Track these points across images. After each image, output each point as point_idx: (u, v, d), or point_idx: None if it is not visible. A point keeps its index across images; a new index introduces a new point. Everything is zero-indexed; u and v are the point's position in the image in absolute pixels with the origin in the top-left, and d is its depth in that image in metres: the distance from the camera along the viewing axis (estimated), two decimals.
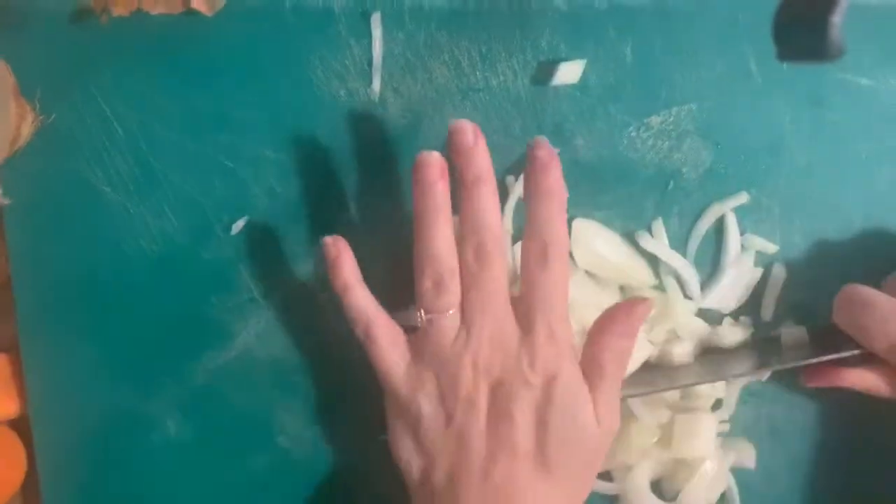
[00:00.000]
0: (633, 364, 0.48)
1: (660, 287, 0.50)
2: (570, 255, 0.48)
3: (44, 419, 0.51)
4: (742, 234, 0.50)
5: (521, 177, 0.48)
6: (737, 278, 0.49)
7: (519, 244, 0.47)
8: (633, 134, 0.49)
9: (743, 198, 0.49)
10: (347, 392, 0.50)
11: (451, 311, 0.43)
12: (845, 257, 0.50)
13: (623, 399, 0.46)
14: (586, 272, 0.49)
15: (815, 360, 0.46)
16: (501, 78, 0.49)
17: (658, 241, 0.49)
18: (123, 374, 0.51)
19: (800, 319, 0.50)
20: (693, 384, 0.48)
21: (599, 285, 0.49)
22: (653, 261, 0.50)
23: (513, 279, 0.47)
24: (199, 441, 0.51)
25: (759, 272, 0.50)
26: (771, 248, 0.50)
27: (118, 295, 0.50)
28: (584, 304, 0.48)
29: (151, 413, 0.51)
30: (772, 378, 0.51)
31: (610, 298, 0.49)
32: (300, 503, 0.51)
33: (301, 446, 0.51)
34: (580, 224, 0.49)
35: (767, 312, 0.50)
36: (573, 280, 0.48)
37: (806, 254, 0.50)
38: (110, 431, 0.51)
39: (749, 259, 0.49)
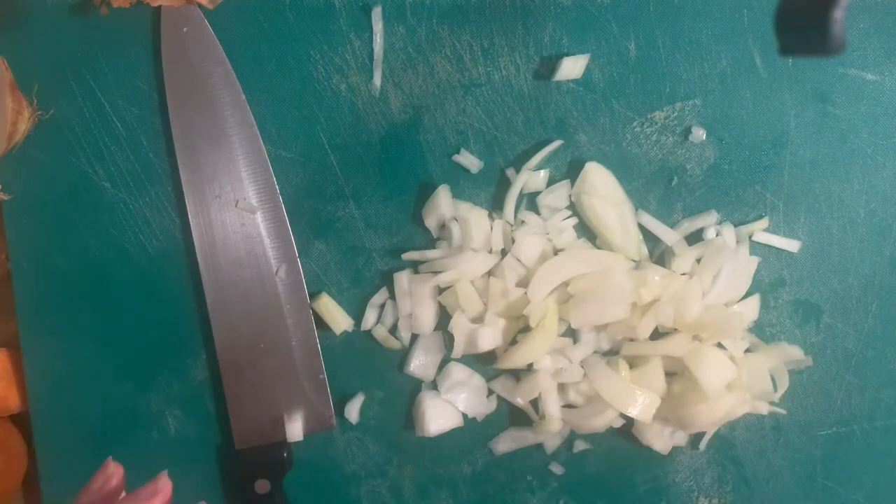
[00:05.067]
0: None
1: (640, 266, 0.49)
2: (570, 199, 0.49)
3: (44, 414, 0.51)
4: (736, 225, 0.49)
5: (522, 169, 0.48)
6: (734, 270, 0.49)
7: (519, 236, 0.48)
8: (637, 129, 0.49)
9: (713, 217, 0.49)
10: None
11: None
12: (849, 253, 0.50)
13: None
14: (584, 239, 0.49)
15: None
16: (504, 73, 0.48)
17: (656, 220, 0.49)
18: (123, 369, 0.51)
19: (803, 315, 0.50)
20: None
21: (592, 254, 0.49)
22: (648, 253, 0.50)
23: (511, 270, 0.48)
24: (198, 436, 0.51)
25: (755, 260, 0.49)
26: (762, 225, 0.49)
27: (118, 290, 0.50)
28: (576, 272, 0.47)
29: (151, 408, 0.51)
30: None
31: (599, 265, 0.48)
32: (298, 497, 0.51)
33: (300, 441, 0.50)
34: (593, 168, 0.48)
35: None
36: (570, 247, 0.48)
37: (809, 249, 0.50)
38: (110, 426, 0.51)
39: (744, 249, 0.49)
